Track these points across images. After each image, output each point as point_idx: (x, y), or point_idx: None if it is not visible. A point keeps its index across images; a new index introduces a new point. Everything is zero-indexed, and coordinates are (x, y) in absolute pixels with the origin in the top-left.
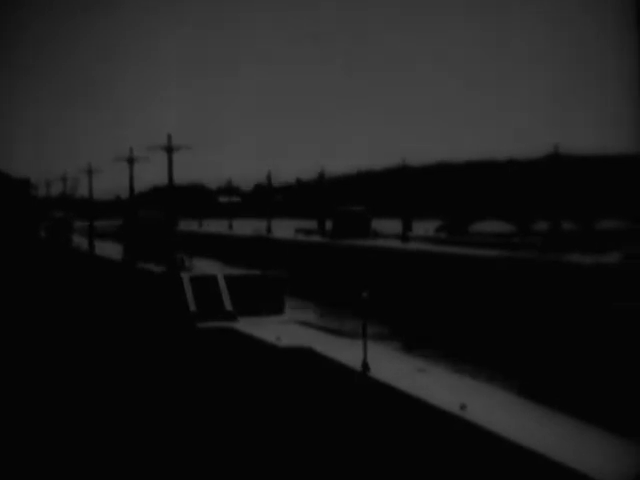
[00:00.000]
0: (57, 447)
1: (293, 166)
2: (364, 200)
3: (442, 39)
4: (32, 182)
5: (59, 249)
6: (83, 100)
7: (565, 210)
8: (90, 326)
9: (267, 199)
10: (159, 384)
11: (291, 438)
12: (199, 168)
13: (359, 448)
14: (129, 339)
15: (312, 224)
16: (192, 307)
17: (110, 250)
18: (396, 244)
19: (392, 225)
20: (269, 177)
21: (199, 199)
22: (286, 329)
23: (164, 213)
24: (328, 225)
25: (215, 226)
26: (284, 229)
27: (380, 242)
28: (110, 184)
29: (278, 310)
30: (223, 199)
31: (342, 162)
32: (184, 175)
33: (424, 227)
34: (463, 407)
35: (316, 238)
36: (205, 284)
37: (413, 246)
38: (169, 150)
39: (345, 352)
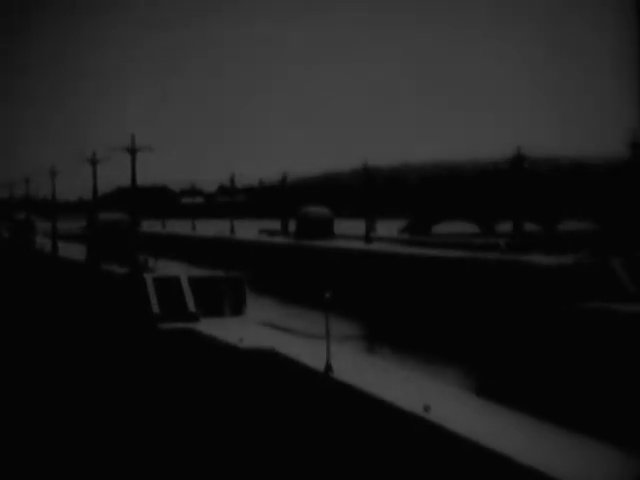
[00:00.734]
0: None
1: (258, 168)
2: (328, 201)
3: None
4: None
5: (22, 250)
6: (47, 101)
7: (529, 211)
8: (51, 327)
9: (230, 200)
10: (117, 385)
11: (252, 439)
12: (163, 170)
13: (322, 449)
14: (91, 341)
15: (275, 225)
16: (155, 308)
17: (73, 251)
18: (358, 245)
19: (358, 225)
20: (232, 179)
21: (162, 200)
22: (249, 330)
23: (127, 214)
24: (292, 226)
25: (178, 227)
26: (247, 230)
27: (342, 243)
28: (74, 185)
29: (239, 311)
30: (186, 200)
31: (308, 164)
32: (148, 176)
33: (390, 227)
34: (427, 408)
35: (279, 239)
36: (168, 285)
37: (374, 247)
38: (132, 151)
39: (308, 353)
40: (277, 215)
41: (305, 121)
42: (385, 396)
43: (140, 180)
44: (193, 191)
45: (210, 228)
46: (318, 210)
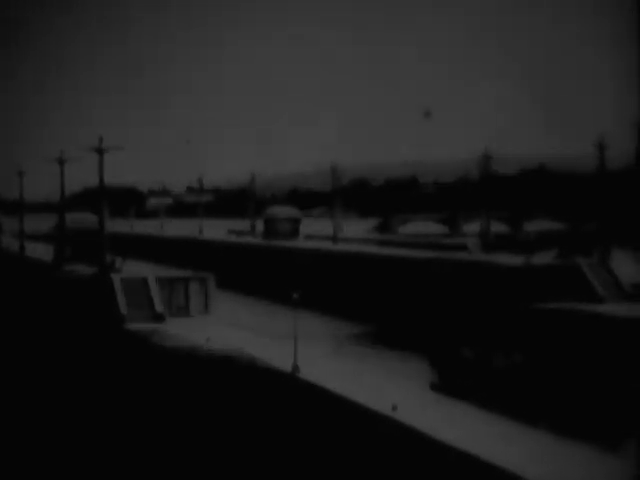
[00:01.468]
0: None
1: (226, 168)
2: (297, 202)
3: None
4: None
5: None
6: (15, 101)
7: (497, 211)
8: (16, 328)
9: (198, 200)
10: (81, 386)
11: (218, 440)
12: (132, 170)
13: (289, 449)
14: (56, 341)
15: (244, 225)
16: (122, 309)
17: (41, 252)
18: (326, 245)
19: (328, 224)
20: (200, 179)
21: (130, 200)
22: (216, 330)
23: (94, 214)
24: (259, 226)
25: (146, 227)
26: (216, 230)
27: (310, 243)
28: (43, 185)
29: (207, 311)
30: (154, 200)
31: (278, 164)
32: (116, 177)
33: (358, 228)
34: (394, 408)
35: (247, 239)
36: (136, 286)
37: (340, 247)
38: (99, 151)
39: (276, 354)
40: (245, 215)
41: (275, 122)
42: (352, 396)
43: (109, 180)
44: (161, 192)
45: (178, 228)
46: (285, 210)
